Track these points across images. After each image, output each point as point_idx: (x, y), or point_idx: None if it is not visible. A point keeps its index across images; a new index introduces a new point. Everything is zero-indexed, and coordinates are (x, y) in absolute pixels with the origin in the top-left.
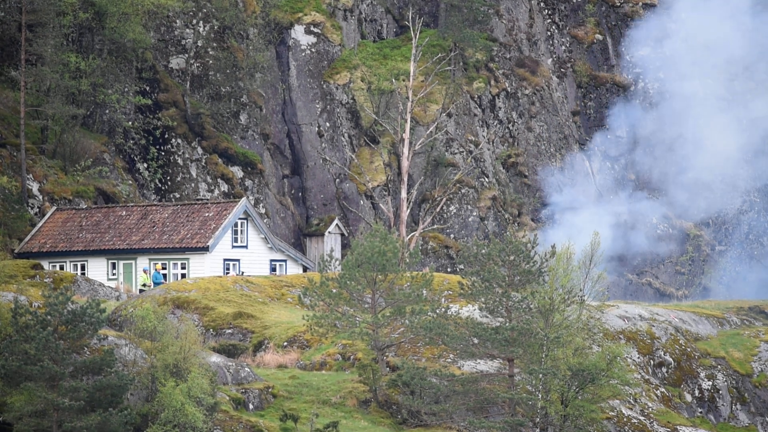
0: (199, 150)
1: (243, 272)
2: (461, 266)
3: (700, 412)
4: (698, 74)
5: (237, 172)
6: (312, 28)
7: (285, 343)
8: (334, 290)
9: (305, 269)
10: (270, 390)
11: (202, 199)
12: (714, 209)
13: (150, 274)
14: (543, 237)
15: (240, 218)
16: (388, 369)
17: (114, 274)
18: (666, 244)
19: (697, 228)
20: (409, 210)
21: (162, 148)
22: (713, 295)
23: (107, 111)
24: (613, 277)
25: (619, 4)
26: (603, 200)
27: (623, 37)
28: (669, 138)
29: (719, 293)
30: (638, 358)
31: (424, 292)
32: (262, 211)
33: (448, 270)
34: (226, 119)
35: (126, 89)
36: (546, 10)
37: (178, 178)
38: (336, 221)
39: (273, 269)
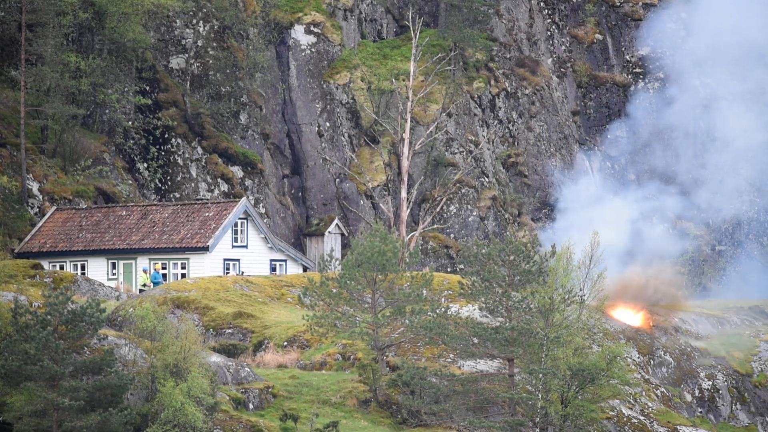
0: (199, 150)
1: (243, 272)
2: (461, 266)
3: (700, 412)
4: (717, 68)
5: (237, 171)
6: (312, 28)
7: (285, 343)
8: (334, 290)
9: (305, 269)
10: (270, 390)
11: (202, 199)
12: (714, 208)
13: (149, 274)
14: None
15: (240, 218)
16: (388, 369)
17: (114, 274)
18: (666, 244)
19: (698, 227)
20: (409, 210)
21: (162, 147)
22: (713, 295)
23: (107, 111)
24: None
25: (619, 4)
26: (605, 199)
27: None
28: (675, 135)
29: (719, 293)
30: (638, 357)
31: (424, 292)
32: (262, 210)
33: (448, 270)
34: (226, 119)
35: (126, 89)
36: (546, 10)
37: (178, 178)
38: (336, 221)
39: (273, 269)
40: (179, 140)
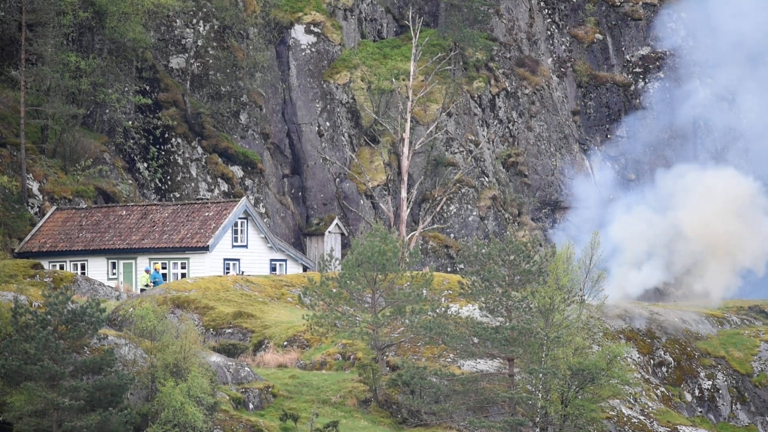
0: (199, 149)
1: (243, 272)
2: (461, 266)
3: (700, 412)
4: (731, 64)
5: (237, 171)
6: (312, 28)
7: (285, 343)
8: (334, 290)
9: (305, 269)
10: (270, 389)
11: (202, 199)
12: None
13: (150, 274)
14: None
15: (240, 218)
16: (388, 369)
17: (114, 274)
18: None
19: None
20: (409, 210)
21: (162, 147)
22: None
23: (107, 110)
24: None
25: (619, 4)
26: (613, 197)
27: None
28: (685, 133)
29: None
30: (638, 357)
31: (424, 291)
32: (262, 210)
33: (448, 270)
34: (226, 119)
35: (126, 89)
36: (546, 10)
37: (178, 178)
38: (336, 221)
39: (273, 269)
40: (179, 140)
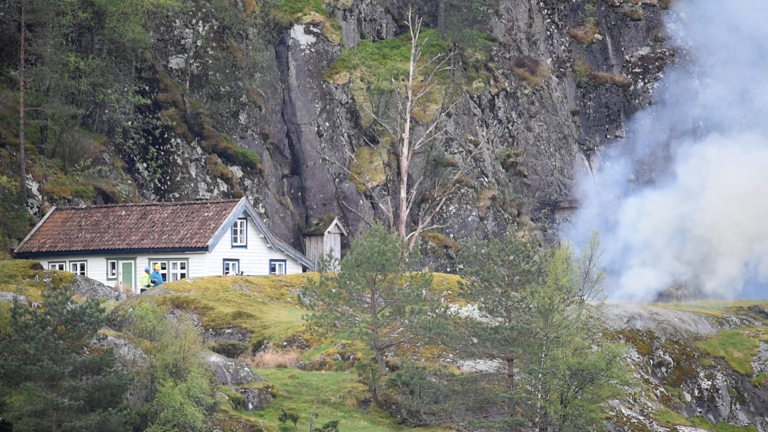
0: (199, 150)
1: (242, 272)
2: (461, 266)
3: (700, 412)
4: (743, 60)
5: (236, 171)
6: (311, 28)
7: (284, 343)
8: (334, 290)
9: (305, 269)
10: (269, 390)
11: (201, 199)
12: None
13: (150, 274)
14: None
15: (239, 218)
16: (387, 369)
17: (113, 274)
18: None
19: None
20: (408, 210)
21: (161, 147)
22: (712, 295)
23: (107, 111)
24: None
25: (618, 4)
26: (620, 198)
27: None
28: (676, 134)
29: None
30: (638, 357)
31: (424, 291)
32: (262, 210)
33: (448, 270)
34: (226, 119)
35: (125, 89)
36: (545, 10)
37: (178, 178)
38: (335, 221)
39: (272, 269)
40: (178, 140)
